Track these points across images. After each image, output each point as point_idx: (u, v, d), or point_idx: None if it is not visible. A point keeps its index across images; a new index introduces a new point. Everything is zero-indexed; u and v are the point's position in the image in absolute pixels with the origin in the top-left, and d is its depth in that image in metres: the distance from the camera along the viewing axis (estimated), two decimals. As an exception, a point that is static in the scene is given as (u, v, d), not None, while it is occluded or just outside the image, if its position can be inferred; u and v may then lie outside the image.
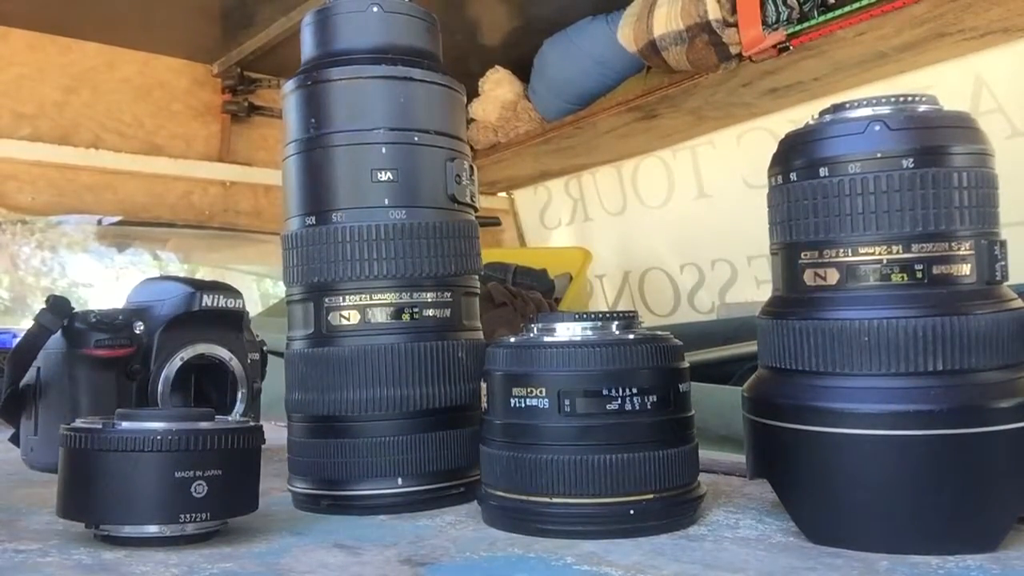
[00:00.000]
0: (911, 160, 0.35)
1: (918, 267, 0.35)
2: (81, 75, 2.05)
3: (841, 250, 0.36)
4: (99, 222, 2.08)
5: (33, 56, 1.99)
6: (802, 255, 0.38)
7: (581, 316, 0.42)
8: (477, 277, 0.52)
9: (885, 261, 0.35)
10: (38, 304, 0.91)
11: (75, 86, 2.03)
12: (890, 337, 0.35)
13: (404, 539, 0.41)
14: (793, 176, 0.38)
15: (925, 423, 0.34)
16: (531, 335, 0.43)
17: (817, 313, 0.37)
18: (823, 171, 0.36)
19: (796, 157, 0.38)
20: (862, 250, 0.36)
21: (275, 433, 0.55)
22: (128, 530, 0.40)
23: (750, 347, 1.04)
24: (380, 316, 0.48)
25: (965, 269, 0.35)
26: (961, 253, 0.35)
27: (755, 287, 1.80)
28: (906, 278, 0.35)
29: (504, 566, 0.36)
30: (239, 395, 0.64)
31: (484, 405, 0.44)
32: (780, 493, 0.39)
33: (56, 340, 0.61)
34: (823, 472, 0.36)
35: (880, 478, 0.35)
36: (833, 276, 0.37)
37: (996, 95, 1.44)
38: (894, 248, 0.35)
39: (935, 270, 0.35)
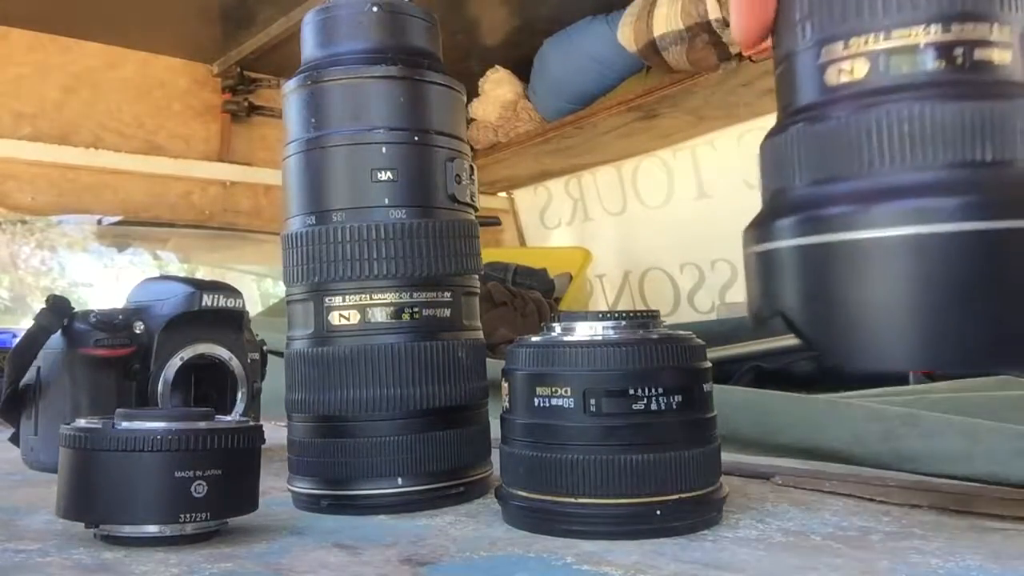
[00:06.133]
0: None
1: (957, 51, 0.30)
2: (81, 75, 2.05)
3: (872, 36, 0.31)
4: (99, 222, 2.08)
5: (33, 56, 1.99)
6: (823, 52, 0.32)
7: (604, 315, 0.42)
8: (477, 277, 0.52)
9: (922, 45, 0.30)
10: (38, 304, 0.91)
11: (75, 86, 2.04)
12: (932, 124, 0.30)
13: (404, 539, 0.41)
14: None
15: (974, 215, 0.29)
16: (554, 334, 0.43)
17: (844, 112, 0.32)
18: None
19: None
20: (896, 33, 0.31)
21: (275, 433, 0.56)
22: (128, 530, 0.40)
23: (750, 347, 1.05)
24: (380, 316, 0.48)
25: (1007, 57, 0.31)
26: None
27: (755, 287, 1.80)
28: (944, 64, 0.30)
29: (504, 566, 0.36)
30: (239, 395, 0.64)
31: (506, 405, 0.44)
32: (802, 326, 0.33)
33: (56, 340, 0.61)
34: (857, 286, 0.31)
35: (916, 282, 0.30)
36: (861, 68, 0.32)
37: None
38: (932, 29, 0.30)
39: (976, 55, 0.30)
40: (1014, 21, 0.31)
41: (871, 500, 0.46)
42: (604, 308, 2.29)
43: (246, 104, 2.23)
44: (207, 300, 0.62)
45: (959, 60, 0.30)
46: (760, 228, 0.34)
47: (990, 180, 0.30)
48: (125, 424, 0.40)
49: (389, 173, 0.48)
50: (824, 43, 0.32)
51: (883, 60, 0.31)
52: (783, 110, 0.35)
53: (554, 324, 0.43)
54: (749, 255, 0.35)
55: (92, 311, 0.61)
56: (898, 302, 0.30)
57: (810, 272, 0.32)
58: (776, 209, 0.34)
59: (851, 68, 0.31)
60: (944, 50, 0.30)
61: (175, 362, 0.61)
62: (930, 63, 0.30)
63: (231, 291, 0.64)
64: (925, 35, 0.30)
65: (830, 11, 0.32)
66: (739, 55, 1.49)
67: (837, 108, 0.32)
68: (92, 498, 0.39)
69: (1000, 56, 0.31)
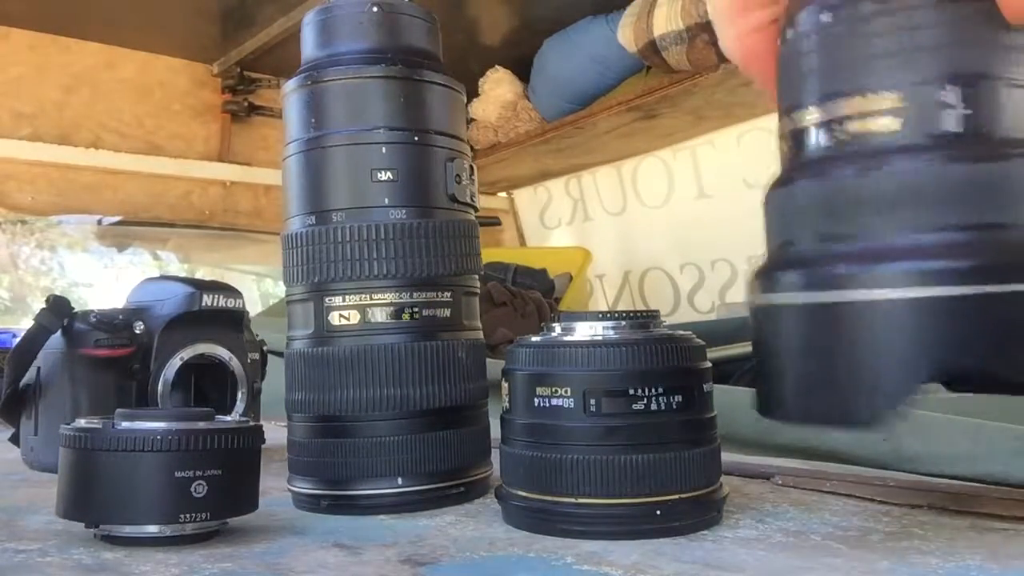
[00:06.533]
0: None
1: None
2: (81, 75, 2.05)
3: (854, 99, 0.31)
4: (99, 222, 2.08)
5: (33, 56, 1.99)
6: (808, 112, 0.33)
7: (604, 315, 0.42)
8: (477, 277, 0.52)
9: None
10: (38, 304, 0.91)
11: (75, 86, 2.04)
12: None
13: (404, 539, 0.41)
14: (800, 25, 0.33)
15: (977, 278, 0.29)
16: (554, 334, 0.43)
17: (832, 171, 0.32)
18: (824, 17, 0.31)
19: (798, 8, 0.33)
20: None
21: (275, 433, 0.56)
22: (128, 530, 0.40)
23: (750, 347, 1.04)
24: (380, 316, 0.48)
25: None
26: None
27: (755, 287, 1.80)
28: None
29: (504, 566, 0.36)
30: (239, 395, 0.64)
31: (506, 405, 0.44)
32: (800, 382, 0.33)
33: (56, 340, 0.61)
34: (856, 345, 0.31)
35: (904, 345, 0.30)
36: (864, 128, 0.31)
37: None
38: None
39: (977, 116, 0.30)
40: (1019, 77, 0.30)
41: (871, 500, 0.46)
42: (604, 308, 2.29)
43: (246, 104, 2.23)
44: (207, 300, 0.62)
45: (960, 121, 0.30)
46: (765, 279, 0.34)
47: (993, 243, 0.29)
48: (125, 424, 0.40)
49: (389, 173, 0.48)
50: (826, 101, 0.32)
51: (883, 120, 0.31)
52: (788, 161, 0.34)
53: (554, 324, 0.43)
54: (753, 305, 0.35)
55: (92, 311, 0.61)
56: (895, 363, 0.30)
57: (810, 329, 0.32)
58: (780, 262, 0.34)
59: (853, 127, 0.31)
60: (944, 111, 0.30)
61: (175, 362, 0.61)
62: (930, 124, 0.30)
63: (231, 291, 0.64)
64: (924, 96, 0.30)
65: (830, 70, 0.32)
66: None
67: (840, 166, 0.32)
68: (92, 498, 0.39)
69: (1004, 116, 0.30)
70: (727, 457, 0.48)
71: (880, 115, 0.31)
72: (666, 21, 1.69)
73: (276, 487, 0.52)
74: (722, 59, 1.55)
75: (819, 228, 0.32)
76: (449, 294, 0.49)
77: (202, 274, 2.18)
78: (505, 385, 0.44)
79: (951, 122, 0.30)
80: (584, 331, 0.42)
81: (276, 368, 0.61)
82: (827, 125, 0.32)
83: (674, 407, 0.40)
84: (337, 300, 0.48)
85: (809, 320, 0.32)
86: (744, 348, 1.05)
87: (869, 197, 0.31)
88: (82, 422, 0.42)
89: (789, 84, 0.34)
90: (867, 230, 0.31)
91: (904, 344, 0.30)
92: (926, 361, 0.30)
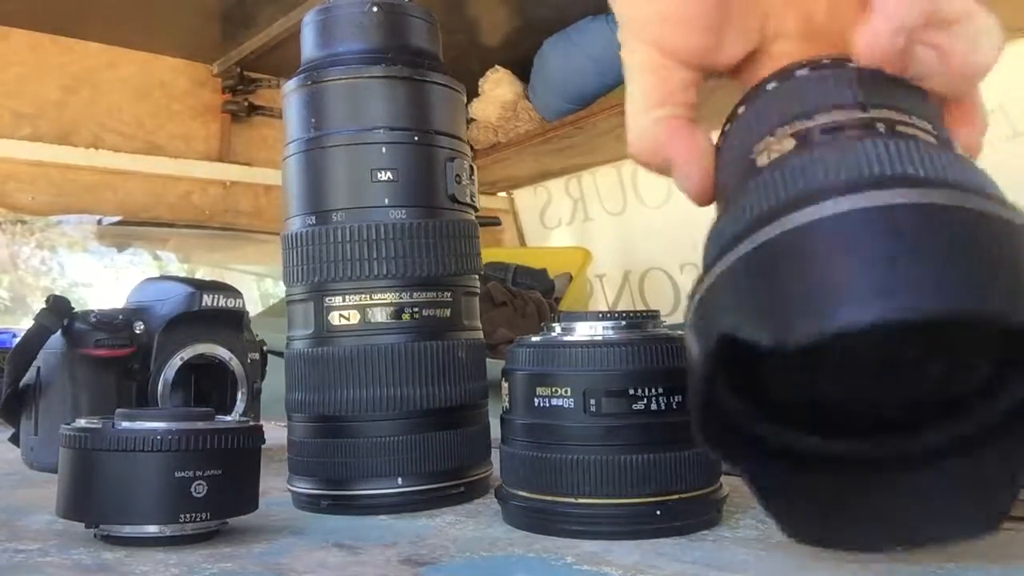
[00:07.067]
0: None
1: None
2: (81, 75, 2.05)
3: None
4: (99, 222, 2.08)
5: (33, 56, 1.99)
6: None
7: (604, 315, 0.42)
8: (477, 277, 0.52)
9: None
10: (38, 304, 0.91)
11: (75, 86, 2.04)
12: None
13: (404, 539, 0.41)
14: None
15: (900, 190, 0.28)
16: (554, 334, 0.43)
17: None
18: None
19: None
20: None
21: (275, 433, 0.56)
22: (128, 530, 0.40)
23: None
24: (380, 316, 0.48)
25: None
26: None
27: (755, 287, 1.80)
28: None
29: (504, 566, 0.36)
30: (239, 395, 0.64)
31: (506, 405, 0.44)
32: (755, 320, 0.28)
33: (56, 340, 0.61)
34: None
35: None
36: (788, 144, 0.32)
37: (996, 95, 1.44)
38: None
39: (898, 128, 0.31)
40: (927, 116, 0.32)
41: (871, 500, 0.46)
42: (604, 308, 2.29)
43: (246, 104, 2.22)
44: (207, 300, 0.62)
45: (881, 129, 0.31)
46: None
47: (915, 179, 0.29)
48: (125, 424, 0.40)
49: (389, 173, 0.48)
50: (760, 138, 0.33)
51: (809, 134, 0.32)
52: (724, 207, 0.34)
53: (554, 324, 0.43)
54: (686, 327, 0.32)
55: (92, 311, 0.61)
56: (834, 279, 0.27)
57: (751, 274, 0.29)
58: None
59: (780, 146, 0.32)
60: (865, 124, 0.31)
61: (175, 362, 0.61)
62: (854, 131, 0.31)
63: (231, 291, 0.64)
64: (847, 114, 0.31)
65: (762, 109, 0.34)
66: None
67: (767, 170, 0.31)
68: (92, 498, 0.40)
69: (921, 134, 0.31)
70: (727, 457, 0.48)
71: (805, 132, 0.32)
72: (666, 21, 1.68)
73: (276, 487, 0.52)
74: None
75: (750, 212, 0.30)
76: (449, 294, 0.49)
77: (202, 274, 2.18)
78: (505, 385, 0.44)
79: (866, 131, 0.31)
80: (584, 331, 0.42)
81: (276, 368, 0.61)
82: (755, 158, 0.33)
83: (674, 407, 0.40)
84: (337, 300, 0.48)
85: (745, 263, 0.29)
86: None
87: (805, 167, 0.30)
88: (82, 422, 0.42)
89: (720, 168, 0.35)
90: (798, 189, 0.29)
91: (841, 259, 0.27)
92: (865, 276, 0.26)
